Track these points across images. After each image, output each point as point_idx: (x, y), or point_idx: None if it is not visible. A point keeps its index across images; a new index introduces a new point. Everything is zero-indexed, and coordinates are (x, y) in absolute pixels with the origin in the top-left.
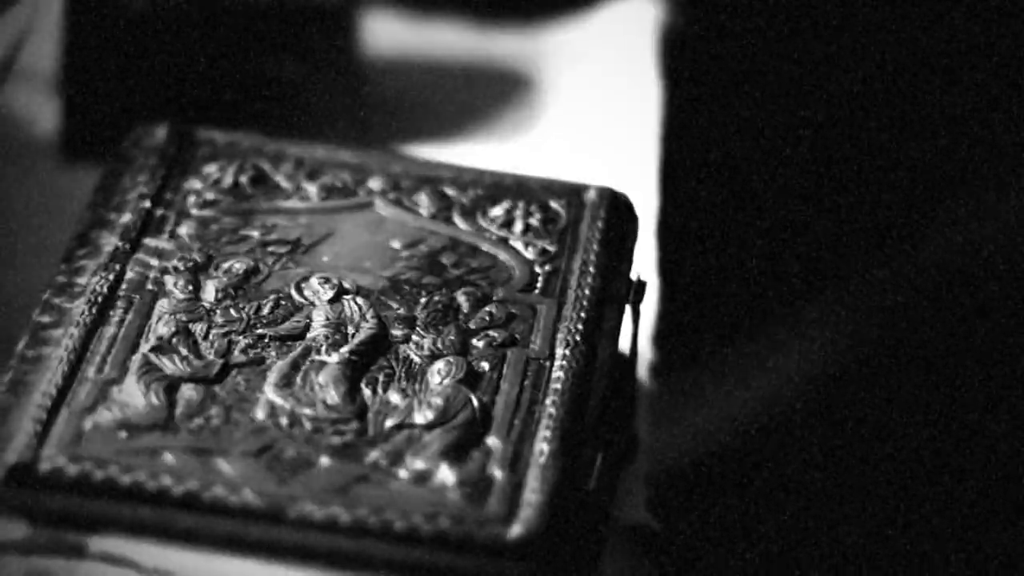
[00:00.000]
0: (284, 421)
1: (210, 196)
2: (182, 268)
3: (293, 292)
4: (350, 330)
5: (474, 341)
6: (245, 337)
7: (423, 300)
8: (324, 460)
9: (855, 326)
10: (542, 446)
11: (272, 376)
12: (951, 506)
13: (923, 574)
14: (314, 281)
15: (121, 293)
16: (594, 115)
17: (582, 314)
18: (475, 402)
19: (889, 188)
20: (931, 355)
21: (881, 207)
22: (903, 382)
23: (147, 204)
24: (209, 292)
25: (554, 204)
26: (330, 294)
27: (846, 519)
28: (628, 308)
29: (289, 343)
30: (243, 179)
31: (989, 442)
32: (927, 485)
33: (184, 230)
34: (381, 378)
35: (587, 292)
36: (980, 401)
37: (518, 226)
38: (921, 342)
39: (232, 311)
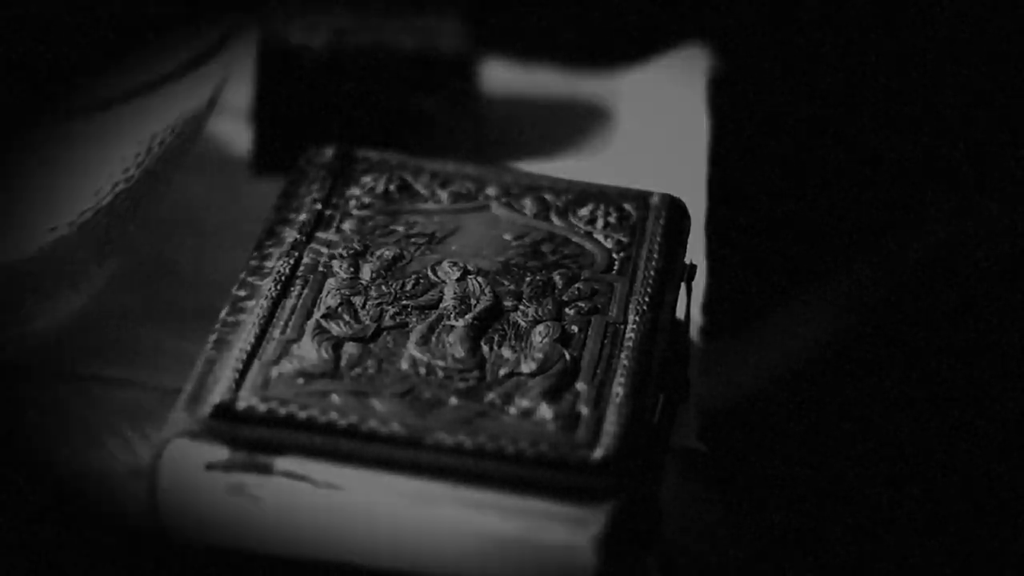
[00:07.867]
0: (423, 371)
1: (366, 200)
2: (345, 255)
3: (429, 273)
4: (472, 302)
5: (566, 310)
6: (393, 307)
7: (528, 279)
8: (453, 400)
9: (857, 305)
10: (618, 389)
11: (413, 336)
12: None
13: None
14: (445, 264)
15: (299, 274)
16: (657, 139)
17: (648, 290)
18: (567, 356)
19: (881, 186)
20: (924, 335)
21: (876, 203)
22: (895, 355)
23: (319, 206)
24: (366, 273)
25: (627, 206)
26: (457, 274)
27: (863, 443)
28: (683, 285)
29: (426, 311)
30: (391, 187)
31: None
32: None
33: (347, 226)
34: (496, 338)
35: (652, 273)
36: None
37: (600, 223)
38: (918, 322)
39: (383, 287)
